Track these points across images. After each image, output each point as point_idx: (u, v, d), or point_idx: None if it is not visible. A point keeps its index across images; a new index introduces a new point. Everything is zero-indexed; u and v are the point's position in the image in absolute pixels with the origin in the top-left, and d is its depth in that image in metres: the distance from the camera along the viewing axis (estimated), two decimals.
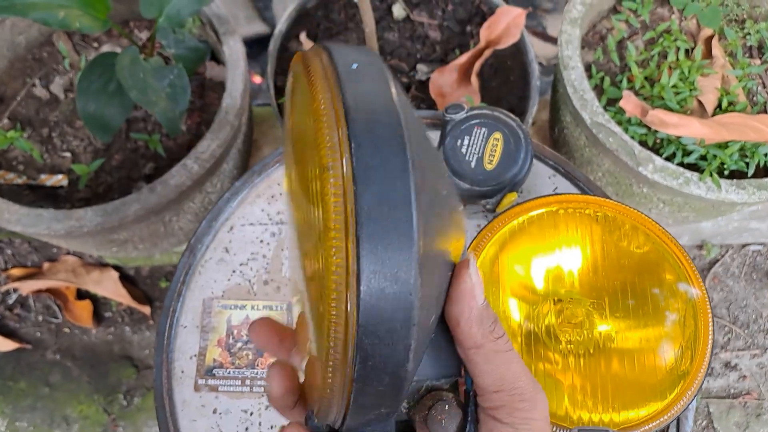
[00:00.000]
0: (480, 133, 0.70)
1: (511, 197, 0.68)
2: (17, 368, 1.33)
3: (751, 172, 0.93)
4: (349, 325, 0.23)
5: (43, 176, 0.95)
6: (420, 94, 1.08)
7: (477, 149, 0.69)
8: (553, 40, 1.56)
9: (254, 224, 0.72)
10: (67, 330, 1.36)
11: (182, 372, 0.66)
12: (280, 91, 1.05)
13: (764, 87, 1.04)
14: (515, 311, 0.61)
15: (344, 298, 0.23)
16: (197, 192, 0.93)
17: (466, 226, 0.68)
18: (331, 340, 0.24)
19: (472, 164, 0.69)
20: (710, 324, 0.59)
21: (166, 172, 0.87)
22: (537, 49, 1.57)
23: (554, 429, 0.55)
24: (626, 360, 0.59)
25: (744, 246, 1.39)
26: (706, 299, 0.60)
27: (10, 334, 1.34)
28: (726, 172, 0.95)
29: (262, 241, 0.71)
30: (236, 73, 0.93)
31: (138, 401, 1.30)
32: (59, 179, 0.95)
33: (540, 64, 1.64)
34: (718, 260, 1.38)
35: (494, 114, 0.70)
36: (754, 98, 1.01)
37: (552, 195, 0.64)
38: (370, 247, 0.23)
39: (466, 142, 0.70)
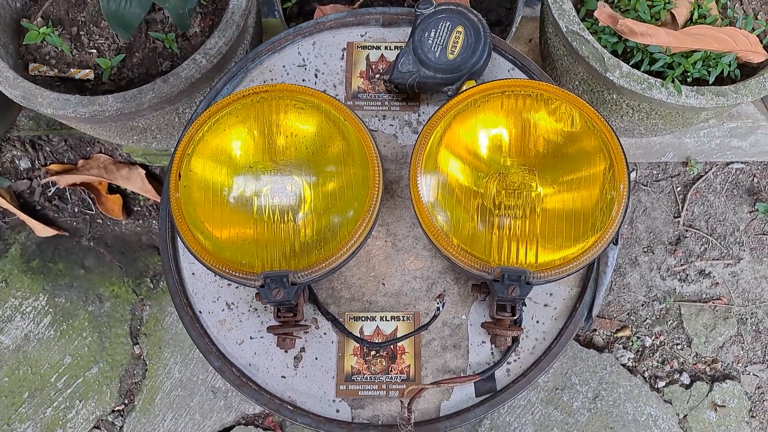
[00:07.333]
0: (445, 26, 0.79)
1: (470, 84, 0.78)
2: (56, 252, 1.49)
3: (711, 80, 1.01)
4: None
5: (72, 70, 1.08)
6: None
7: (441, 41, 0.79)
8: None
9: None
10: (100, 221, 1.51)
11: None
12: None
13: (740, 3, 1.10)
14: (462, 175, 0.71)
15: None
16: (206, 86, 1.04)
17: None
18: None
19: (437, 54, 0.78)
20: (625, 190, 0.69)
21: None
22: None
23: (480, 266, 0.66)
24: (552, 217, 0.70)
25: (728, 164, 1.46)
26: (625, 171, 0.69)
27: (49, 222, 1.50)
28: (689, 80, 1.02)
29: None
30: None
31: (163, 285, 1.45)
32: (86, 73, 1.07)
33: None
34: (701, 176, 1.46)
35: (458, 9, 0.79)
36: (727, 12, 1.07)
37: (503, 79, 0.73)
38: None
39: (432, 34, 0.79)
